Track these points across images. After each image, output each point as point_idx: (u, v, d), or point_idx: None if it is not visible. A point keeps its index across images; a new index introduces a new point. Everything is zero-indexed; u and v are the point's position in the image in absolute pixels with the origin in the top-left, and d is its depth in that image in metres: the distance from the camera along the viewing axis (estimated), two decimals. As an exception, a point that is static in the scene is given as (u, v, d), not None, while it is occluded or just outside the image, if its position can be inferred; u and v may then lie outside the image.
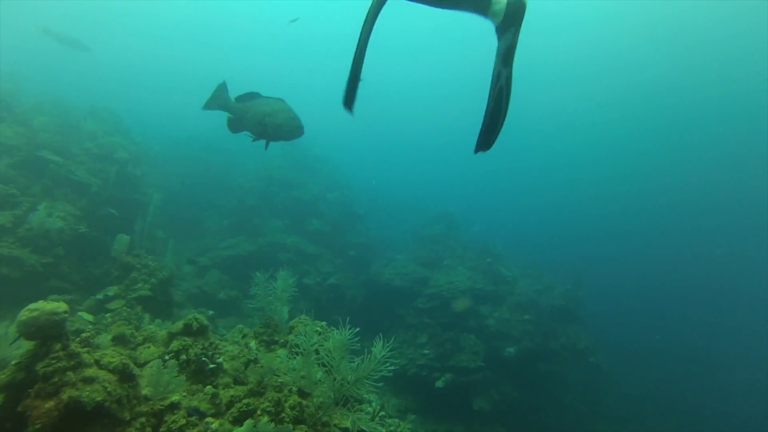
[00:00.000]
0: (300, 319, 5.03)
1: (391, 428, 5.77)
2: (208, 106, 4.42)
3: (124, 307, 5.70)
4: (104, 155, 8.88)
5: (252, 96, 4.43)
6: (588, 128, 46.26)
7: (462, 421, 10.39)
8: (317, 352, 3.18)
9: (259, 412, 2.69)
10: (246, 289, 7.23)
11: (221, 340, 4.14)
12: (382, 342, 3.22)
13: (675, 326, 23.17)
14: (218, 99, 4.42)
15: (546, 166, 46.93)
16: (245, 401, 2.77)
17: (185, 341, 3.34)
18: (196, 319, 3.74)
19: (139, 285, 6.19)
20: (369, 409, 6.03)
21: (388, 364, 3.18)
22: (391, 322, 12.52)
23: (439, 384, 10.47)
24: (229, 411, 2.74)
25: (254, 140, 4.48)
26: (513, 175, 46.14)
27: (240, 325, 5.15)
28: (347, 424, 4.01)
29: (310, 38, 42.41)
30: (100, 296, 5.91)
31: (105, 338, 3.15)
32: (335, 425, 3.38)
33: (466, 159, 46.25)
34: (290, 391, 2.97)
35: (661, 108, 39.26)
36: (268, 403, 2.74)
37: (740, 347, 21.79)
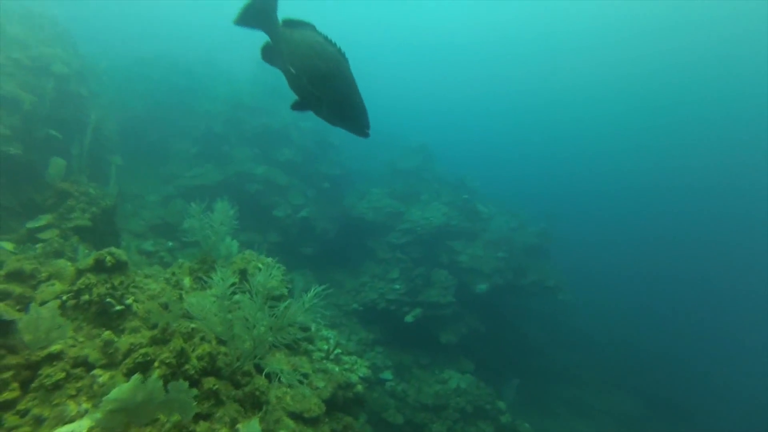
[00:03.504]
0: (245, 254, 4.64)
1: (346, 366, 5.67)
2: (242, 19, 2.65)
3: (57, 238, 5.22)
4: (40, 68, 7.90)
5: (305, 26, 2.62)
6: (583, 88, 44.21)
7: (428, 353, 10.60)
8: (234, 293, 2.80)
9: (156, 364, 2.35)
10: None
11: (147, 277, 3.74)
12: (314, 289, 2.85)
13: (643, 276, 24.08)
14: (260, 11, 2.64)
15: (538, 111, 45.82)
16: (142, 351, 2.42)
17: (89, 279, 2.93)
18: (110, 253, 3.29)
19: (76, 214, 5.67)
20: (325, 346, 5.90)
21: (318, 314, 2.82)
22: (363, 256, 12.38)
23: (408, 319, 10.52)
24: (125, 362, 2.40)
25: (294, 106, 2.51)
26: (496, 111, 45.19)
27: (181, 260, 4.76)
28: (285, 366, 3.77)
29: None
30: (30, 225, 5.39)
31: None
32: (267, 371, 3.10)
33: (447, 92, 44.78)
34: (203, 338, 2.63)
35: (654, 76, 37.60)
36: (168, 354, 2.40)
37: (698, 299, 22.92)
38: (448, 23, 40.58)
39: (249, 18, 2.65)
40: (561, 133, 44.40)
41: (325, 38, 2.55)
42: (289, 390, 3.17)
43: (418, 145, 15.03)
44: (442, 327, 10.84)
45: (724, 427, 13.14)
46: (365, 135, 2.50)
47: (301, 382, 2.94)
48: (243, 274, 3.96)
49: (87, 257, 3.18)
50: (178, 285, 3.79)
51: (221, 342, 2.81)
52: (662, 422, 12.43)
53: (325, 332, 6.34)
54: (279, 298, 4.01)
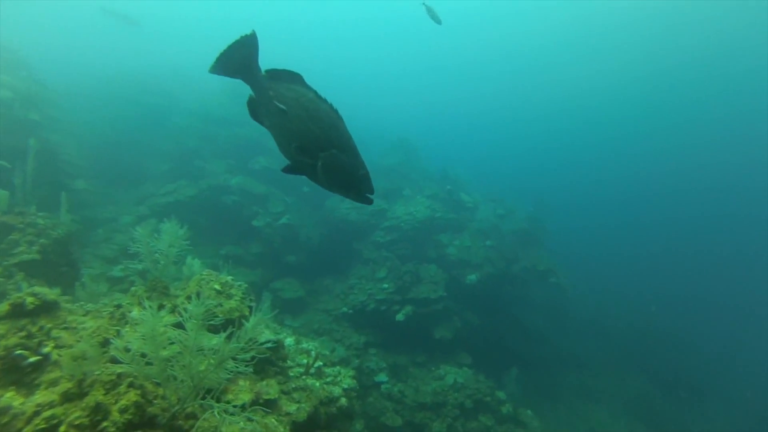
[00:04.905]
0: (201, 275, 4.29)
1: (328, 379, 5.34)
2: (218, 68, 2.31)
3: None
4: (-19, 96, 7.47)
5: (293, 79, 2.29)
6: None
7: (424, 351, 10.31)
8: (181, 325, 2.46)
9: (63, 429, 2.00)
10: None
11: (86, 314, 3.37)
12: (255, 316, 2.52)
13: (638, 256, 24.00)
14: (239, 59, 2.31)
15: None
16: (47, 414, 2.06)
17: None
18: (33, 294, 2.93)
19: (22, 248, 5.27)
20: (304, 360, 5.56)
21: (265, 342, 2.49)
22: (350, 258, 12.04)
23: (399, 317, 10.21)
24: (24, 430, 2.05)
25: (286, 170, 2.31)
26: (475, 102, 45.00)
27: (133, 288, 4.38)
28: (248, 395, 3.44)
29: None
30: (-29, 265, 4.99)
31: None
32: (205, 415, 2.75)
33: (426, 83, 44.48)
34: (131, 385, 2.28)
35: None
36: (80, 413, 2.05)
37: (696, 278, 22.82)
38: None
39: (227, 67, 2.30)
40: (546, 122, 44.28)
41: (316, 94, 2.20)
42: (248, 424, 2.84)
43: (398, 140, 14.70)
44: (435, 323, 10.55)
45: (735, 403, 13.01)
46: (368, 202, 2.21)
47: (250, 419, 2.60)
48: (197, 298, 3.60)
49: (2, 303, 2.82)
50: (123, 319, 3.42)
51: (159, 384, 2.47)
52: (673, 403, 12.26)
53: (305, 344, 6.00)
54: (240, 319, 3.67)
